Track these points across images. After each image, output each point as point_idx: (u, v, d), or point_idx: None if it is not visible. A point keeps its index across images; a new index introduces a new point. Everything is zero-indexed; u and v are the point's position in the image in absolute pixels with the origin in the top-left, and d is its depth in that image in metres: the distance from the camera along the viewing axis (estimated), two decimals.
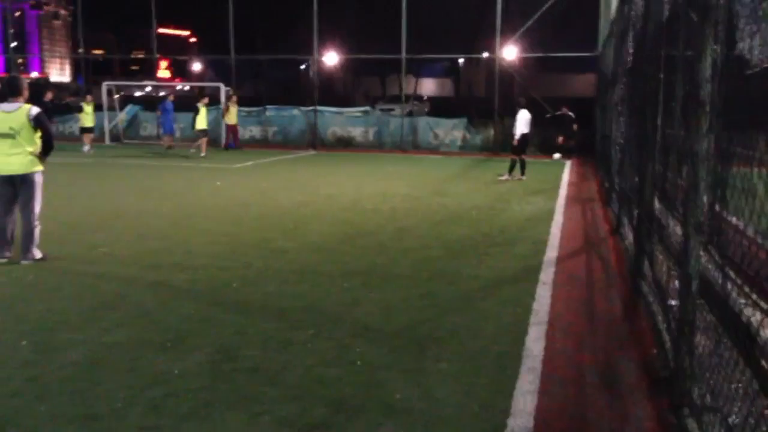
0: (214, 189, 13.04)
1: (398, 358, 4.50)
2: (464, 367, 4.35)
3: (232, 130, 22.88)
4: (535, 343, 4.82)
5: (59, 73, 65.06)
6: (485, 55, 31.08)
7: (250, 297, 5.88)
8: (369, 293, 6.03)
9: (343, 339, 4.84)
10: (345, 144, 24.72)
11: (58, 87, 44.74)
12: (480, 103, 31.50)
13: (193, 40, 61.22)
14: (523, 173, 15.27)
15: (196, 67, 52.34)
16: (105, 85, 25.67)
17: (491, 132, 23.52)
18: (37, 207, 7.00)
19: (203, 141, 20.35)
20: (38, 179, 7.01)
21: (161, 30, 42.21)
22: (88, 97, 21.79)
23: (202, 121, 20.43)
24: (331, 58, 31.07)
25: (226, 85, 24.67)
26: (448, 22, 39.03)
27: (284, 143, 24.89)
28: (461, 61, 48.74)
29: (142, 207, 10.69)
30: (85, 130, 21.24)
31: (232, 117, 22.73)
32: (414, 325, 5.18)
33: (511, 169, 15.29)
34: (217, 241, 8.20)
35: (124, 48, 58.30)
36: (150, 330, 4.98)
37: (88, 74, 41.14)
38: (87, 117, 21.26)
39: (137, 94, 46.32)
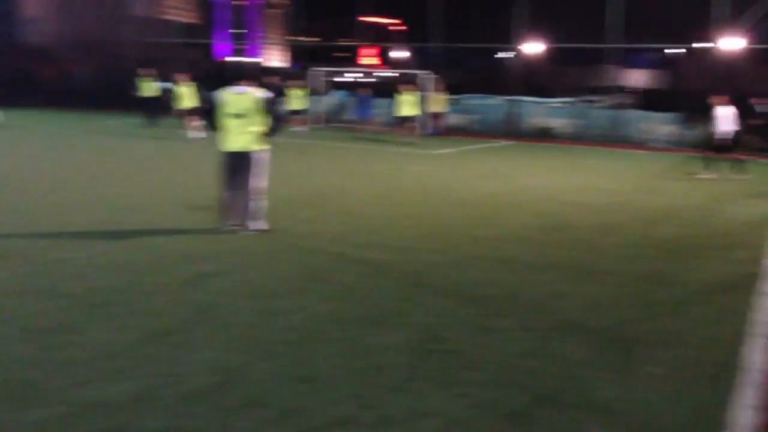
0: (415, 174, 13.35)
1: (603, 357, 4.40)
2: (675, 374, 4.16)
3: (436, 117, 23.18)
4: (753, 355, 4.50)
5: (276, 58, 69.45)
6: (705, 45, 29.03)
7: (451, 281, 6.00)
8: (573, 287, 5.93)
9: (545, 331, 4.81)
10: (545, 135, 24.25)
11: (275, 72, 47.79)
12: (696, 96, 29.47)
13: (400, 28, 62.61)
14: (737, 172, 14.20)
15: (401, 54, 53.49)
16: (311, 71, 27.06)
17: (708, 128, 21.99)
18: (261, 182, 7.57)
19: (409, 126, 20.84)
20: (261, 156, 7.58)
21: (370, 18, 43.67)
22: (294, 83, 22.89)
23: (403, 108, 20.92)
24: (533, 48, 30.52)
25: (431, 73, 25.01)
26: (662, 9, 36.88)
27: (483, 132, 24.88)
28: (676, 51, 45.85)
29: (348, 187, 11.20)
30: (293, 113, 22.15)
31: (436, 104, 23.00)
32: (620, 325, 5.03)
33: (707, 166, 14.33)
34: (420, 224, 8.41)
35: (336, 35, 60.96)
36: (357, 305, 5.24)
37: (302, 60, 43.59)
38: (295, 101, 22.24)
39: (344, 79, 48.32)
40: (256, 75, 7.49)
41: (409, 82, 22.81)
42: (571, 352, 4.44)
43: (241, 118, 7.37)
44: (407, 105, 20.96)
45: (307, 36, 59.31)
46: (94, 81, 35.34)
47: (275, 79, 22.34)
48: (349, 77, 50.43)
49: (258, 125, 7.43)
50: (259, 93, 7.44)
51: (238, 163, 7.49)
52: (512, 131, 24.39)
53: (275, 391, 3.68)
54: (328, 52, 61.78)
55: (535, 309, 5.31)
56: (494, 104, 25.77)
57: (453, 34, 30.68)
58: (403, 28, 59.38)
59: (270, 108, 7.47)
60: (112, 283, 5.43)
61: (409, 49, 52.37)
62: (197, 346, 4.22)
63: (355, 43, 55.62)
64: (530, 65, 34.34)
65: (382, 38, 52.15)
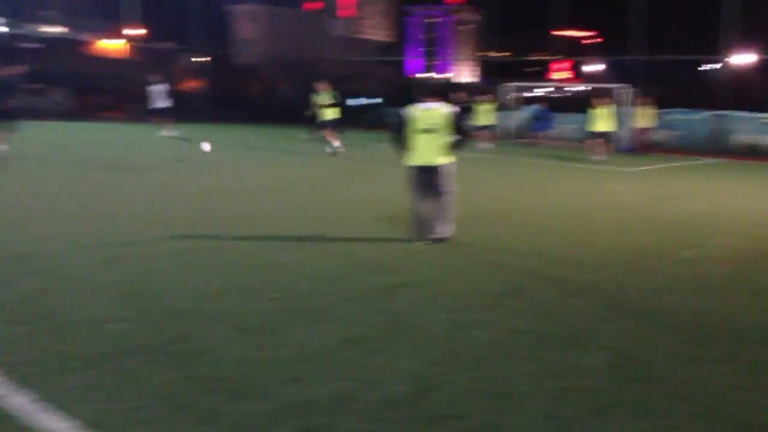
0: (608, 192, 12.86)
1: None
2: None
3: (642, 132, 22.38)
4: None
5: (467, 74, 70.10)
6: None
7: (652, 305, 5.70)
8: None
9: (760, 364, 4.43)
10: (755, 153, 22.42)
11: (465, 88, 48.16)
12: None
13: (594, 41, 60.83)
14: None
15: (595, 68, 51.89)
16: (501, 87, 26.95)
17: None
18: (450, 194, 7.69)
19: (597, 143, 20.15)
20: (450, 169, 7.70)
21: (563, 32, 42.77)
22: (482, 98, 22.62)
23: (597, 123, 20.21)
24: (744, 58, 28.40)
25: (629, 87, 24.04)
26: None
27: (686, 149, 23.49)
28: None
29: (537, 203, 11.01)
30: (480, 128, 21.96)
31: (643, 119, 22.25)
32: None
33: None
34: (615, 243, 8.09)
35: (528, 50, 60.46)
36: (550, 323, 5.12)
37: (492, 75, 43.64)
38: (483, 116, 22.06)
39: (537, 94, 47.70)
40: (444, 91, 7.76)
41: (603, 96, 22.04)
42: None
43: (430, 133, 7.54)
44: (601, 120, 20.23)
45: (497, 51, 59.20)
46: (296, 98, 37.41)
47: (462, 95, 22.37)
48: (539, 92, 49.66)
49: (446, 140, 7.57)
50: (446, 108, 7.59)
51: (428, 177, 7.65)
52: (718, 148, 22.81)
53: (470, 404, 3.68)
54: (519, 66, 61.29)
55: (746, 339, 4.90)
56: (699, 119, 24.23)
57: (654, 45, 29.33)
58: (599, 40, 57.60)
59: (457, 123, 7.60)
60: (312, 288, 5.71)
61: (605, 62, 50.68)
62: (392, 355, 4.32)
63: (547, 58, 54.73)
64: (740, 77, 31.97)
65: (575, 52, 50.87)
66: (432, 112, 7.65)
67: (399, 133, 7.74)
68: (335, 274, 6.24)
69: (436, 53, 79.70)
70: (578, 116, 23.72)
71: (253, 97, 38.78)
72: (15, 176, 11.77)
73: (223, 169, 14.23)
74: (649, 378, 4.16)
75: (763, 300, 5.91)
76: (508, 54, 57.67)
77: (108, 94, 22.25)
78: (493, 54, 56.80)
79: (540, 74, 59.50)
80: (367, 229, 8.41)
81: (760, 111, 24.34)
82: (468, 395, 3.80)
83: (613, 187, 13.46)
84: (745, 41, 27.51)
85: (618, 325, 5.16)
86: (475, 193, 12.11)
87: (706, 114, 24.14)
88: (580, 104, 25.16)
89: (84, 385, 3.64)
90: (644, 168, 17.59)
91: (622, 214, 10.30)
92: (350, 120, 27.91)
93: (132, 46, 42.24)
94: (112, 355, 4.07)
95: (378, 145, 20.12)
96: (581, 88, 49.37)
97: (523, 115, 27.26)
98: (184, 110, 16.17)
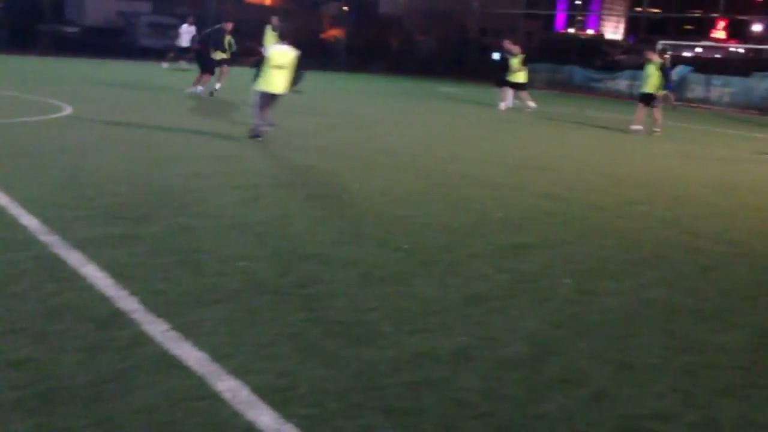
0: (759, 162, 12.02)
1: None
2: None
3: None
4: None
5: (614, 31, 66.94)
6: None
7: None
8: None
9: None
10: None
11: (611, 44, 46.09)
12: None
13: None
14: None
15: (758, 28, 48.18)
16: (659, 44, 25.51)
17: None
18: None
19: None
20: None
21: None
22: (515, 48, 18.69)
23: None
24: None
25: None
26: None
27: None
28: None
29: (683, 172, 10.47)
30: (516, 86, 18.94)
31: None
32: None
33: None
34: (763, 217, 7.58)
35: (683, 7, 56.82)
36: (686, 295, 4.89)
37: (641, 33, 41.41)
38: (517, 73, 18.71)
39: (689, 54, 44.93)
40: (294, 36, 10.68)
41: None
42: None
43: (281, 69, 9.92)
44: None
45: (650, 7, 55.97)
46: (437, 50, 37.25)
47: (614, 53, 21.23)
48: (695, 52, 46.72)
49: (289, 75, 10.03)
50: (293, 51, 9.97)
51: (272, 100, 10.07)
52: None
53: (592, 371, 3.60)
54: (674, 24, 57.79)
55: None
56: None
57: None
58: None
59: (298, 63, 10.00)
60: (439, 243, 5.72)
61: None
62: (515, 315, 4.28)
63: (702, 15, 51.15)
64: None
65: (738, 10, 47.26)
66: (283, 53, 9.81)
67: (258, 67, 9.86)
68: (465, 229, 6.22)
69: (582, 8, 76.49)
70: (733, 79, 22.19)
71: (393, 48, 38.83)
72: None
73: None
74: None
75: None
76: (659, 10, 54.52)
77: (251, 39, 22.97)
78: (651, 10, 53.77)
79: (697, 32, 55.91)
80: (497, 187, 8.31)
81: None
82: (589, 362, 3.71)
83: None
84: None
85: (761, 302, 4.86)
86: (614, 158, 11.68)
87: None
88: (739, 66, 23.52)
89: (215, 318, 3.84)
90: None
91: None
92: (490, 75, 27.29)
93: None
94: (242, 292, 4.26)
95: (517, 101, 19.61)
96: (740, 49, 46.05)
97: (671, 76, 25.81)
98: (322, 58, 16.44)
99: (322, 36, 18.19)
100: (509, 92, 18.69)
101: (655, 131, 14.93)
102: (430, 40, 38.96)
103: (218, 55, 16.16)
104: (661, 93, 15.07)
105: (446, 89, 25.70)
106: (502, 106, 18.44)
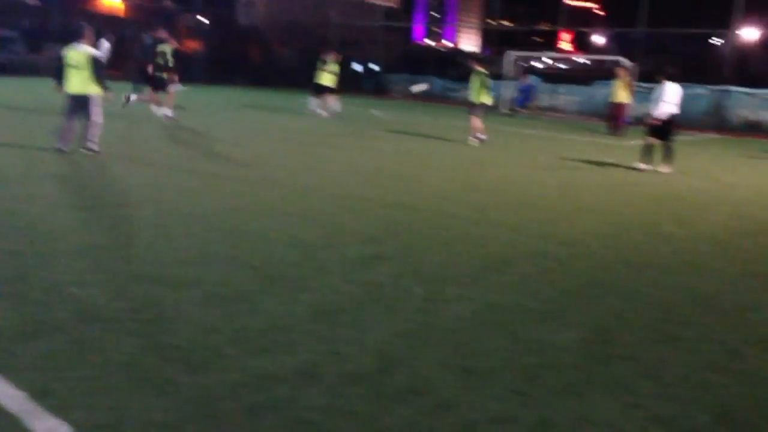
0: (599, 165, 12.76)
1: None
2: None
3: (616, 108, 20.08)
4: None
5: (469, 43, 69.39)
6: None
7: (631, 281, 5.64)
8: None
9: (734, 345, 4.39)
10: (755, 129, 22.27)
11: (466, 56, 47.66)
12: None
13: (599, 13, 60.24)
14: (667, 162, 12.14)
15: (599, 40, 51.45)
16: (507, 54, 26.65)
17: None
18: (94, 119, 9.83)
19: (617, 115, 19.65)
20: (95, 99, 9.80)
21: (569, 2, 42.24)
22: (331, 56, 19.77)
23: (618, 94, 19.64)
24: (749, 33, 28.04)
25: (629, 60, 23.81)
26: None
27: (684, 123, 23.26)
28: None
29: (526, 177, 10.92)
30: (320, 89, 19.45)
31: (618, 95, 20.08)
32: None
33: (646, 155, 12.20)
34: (601, 218, 8.03)
35: (532, 20, 59.78)
36: (530, 298, 5.06)
37: (496, 45, 43.17)
38: (326, 75, 19.37)
39: (538, 65, 47.29)
40: (93, 35, 10.07)
41: (614, 68, 21.52)
42: (762, 370, 4.01)
43: (77, 68, 9.75)
44: (621, 91, 19.57)
45: (503, 20, 58.45)
46: (297, 62, 37.07)
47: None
48: (543, 62, 49.21)
49: (89, 74, 9.75)
50: (89, 50, 9.79)
51: (78, 103, 9.83)
52: (717, 124, 22.62)
53: (436, 380, 3.63)
54: (524, 37, 60.62)
55: (725, 320, 4.85)
56: (698, 94, 24.02)
57: (659, 18, 28.94)
58: (600, 12, 56.93)
59: (95, 62, 9.73)
60: (289, 258, 5.63)
61: (608, 35, 50.15)
62: (364, 327, 4.26)
63: (550, 28, 54.09)
64: (743, 53, 31.60)
65: (581, 23, 50.26)
66: (77, 53, 9.63)
67: (58, 68, 9.75)
68: (315, 243, 6.16)
69: (441, 21, 78.83)
70: (577, 88, 23.51)
71: (254, 60, 38.41)
72: None
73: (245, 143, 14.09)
74: (622, 356, 4.12)
75: (746, 280, 5.86)
76: (511, 23, 57.06)
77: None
78: (503, 23, 56.17)
79: (545, 45, 58.96)
80: (345, 197, 8.32)
81: (762, 87, 24.12)
82: (435, 370, 3.75)
83: (605, 161, 13.34)
84: (751, 16, 27.12)
85: (596, 301, 5.10)
86: (465, 164, 12.02)
87: (706, 89, 23.91)
88: (582, 76, 24.96)
89: (37, 353, 3.55)
90: (641, 142, 17.44)
91: (610, 188, 10.22)
92: (353, 85, 27.50)
93: (129, 5, 41.73)
94: (70, 322, 3.97)
95: (374, 111, 19.93)
96: (582, 60, 48.96)
97: (518, 85, 27.06)
98: (181, 71, 16.03)
99: (178, 48, 17.55)
100: (327, 98, 19.46)
101: (479, 138, 15.00)
102: (290, 52, 38.84)
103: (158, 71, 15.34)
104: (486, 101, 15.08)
105: (305, 101, 25.65)
106: (317, 109, 19.29)
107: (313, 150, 12.66)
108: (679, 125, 12.62)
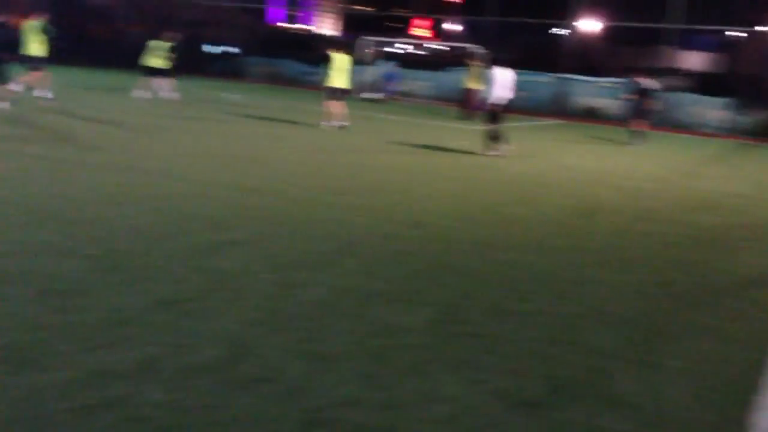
0: (457, 149, 13.13)
1: (626, 347, 4.22)
2: (699, 369, 3.97)
3: (468, 94, 21.02)
4: None
5: (327, 27, 69.20)
6: (763, 29, 28.00)
7: (477, 261, 5.84)
8: (601, 274, 5.73)
9: (569, 318, 4.64)
10: (594, 115, 23.71)
11: (324, 39, 47.55)
12: (752, 82, 28.52)
13: (454, 0, 61.74)
14: (496, 145, 12.65)
15: (454, 27, 52.80)
16: (361, 40, 26.82)
17: (762, 115, 21.27)
18: None
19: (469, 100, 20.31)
20: None
21: None
22: (168, 35, 19.38)
23: (470, 81, 20.28)
24: (588, 25, 29.75)
25: (480, 47, 24.61)
26: None
27: (530, 110, 24.44)
28: (735, 34, 44.28)
29: (385, 161, 11.05)
30: (152, 72, 19.05)
31: (470, 81, 20.88)
32: (647, 315, 4.83)
33: (492, 141, 12.64)
34: (452, 201, 8.26)
35: (389, 6, 60.48)
36: (380, 280, 5.11)
37: (353, 30, 43.27)
38: (154, 58, 19.00)
39: (395, 51, 47.90)
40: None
41: (467, 55, 22.24)
42: (593, 341, 4.27)
43: None
44: (473, 78, 20.26)
45: (360, 5, 58.75)
46: (145, 42, 35.55)
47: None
48: (399, 48, 49.88)
49: None
50: None
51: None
52: (560, 110, 23.89)
53: (284, 367, 3.59)
54: (381, 21, 61.19)
55: (561, 294, 5.13)
56: (543, 82, 25.26)
57: (509, 8, 30.09)
58: (457, 0, 58.49)
59: None
60: (132, 247, 5.39)
61: (462, 23, 51.61)
62: (209, 316, 4.15)
63: (408, 14, 54.93)
64: (584, 43, 33.50)
65: (436, 10, 51.30)
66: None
67: None
68: (161, 230, 5.93)
69: (298, 3, 77.96)
70: (432, 74, 24.03)
71: (99, 39, 36.44)
72: None
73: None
74: (466, 333, 4.25)
75: (579, 257, 6.21)
76: (370, 8, 57.44)
77: None
78: (361, 8, 56.41)
79: (402, 31, 59.79)
80: (202, 183, 8.09)
81: (601, 76, 25.71)
82: (283, 357, 3.70)
83: (461, 145, 13.73)
84: (593, 9, 28.76)
85: (444, 281, 5.23)
86: (318, 149, 12.00)
87: (550, 77, 25.18)
88: (437, 62, 25.55)
89: None
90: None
91: (464, 172, 10.54)
92: (204, 68, 26.76)
93: None
94: None
95: (229, 95, 19.49)
96: (439, 46, 50.13)
97: (377, 71, 27.33)
98: (15, 48, 14.95)
99: (12, 24, 16.01)
100: (152, 80, 19.21)
101: (339, 124, 15.03)
102: (140, 33, 37.14)
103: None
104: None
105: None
106: (141, 93, 18.92)
107: (160, 134, 12.19)
108: (511, 109, 12.98)
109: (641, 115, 16.27)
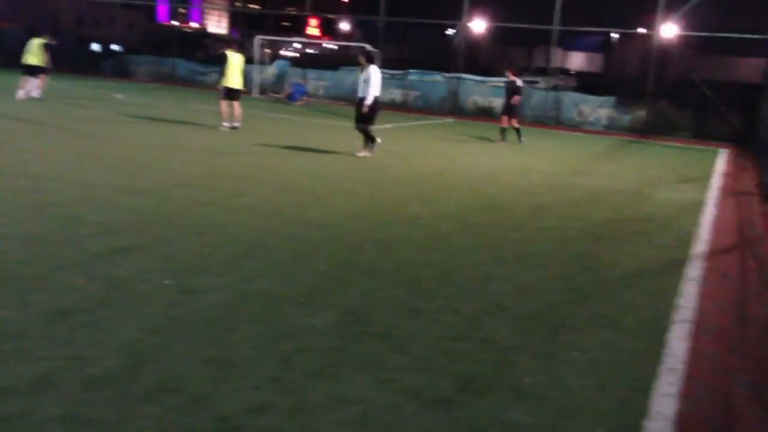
0: (350, 149, 13.14)
1: (529, 341, 4.34)
2: (599, 359, 4.14)
3: None
4: (677, 342, 4.51)
5: (217, 25, 67.83)
6: (641, 30, 29.55)
7: (382, 260, 5.86)
8: (502, 269, 5.87)
9: (473, 314, 4.73)
10: (485, 114, 24.32)
11: (215, 38, 46.67)
12: (631, 81, 30.07)
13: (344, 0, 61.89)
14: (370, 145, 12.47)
15: (346, 27, 52.94)
16: (257, 39, 26.46)
17: (642, 113, 22.43)
18: None
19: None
20: None
21: None
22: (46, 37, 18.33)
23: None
24: (478, 26, 30.48)
25: (373, 47, 24.77)
26: None
27: (424, 108, 24.82)
28: (614, 36, 46.58)
29: (279, 164, 10.94)
30: (30, 70, 18.17)
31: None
32: (548, 308, 4.99)
33: (368, 141, 12.42)
34: (353, 201, 8.26)
35: (280, 5, 59.92)
36: (285, 283, 5.05)
37: (243, 28, 42.62)
38: (32, 56, 18.05)
39: (287, 50, 47.56)
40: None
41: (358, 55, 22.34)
42: (498, 337, 4.37)
43: None
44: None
45: (249, 3, 57.95)
46: (25, 39, 33.88)
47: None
48: (291, 48, 49.56)
49: None
50: None
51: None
52: (453, 109, 24.38)
53: (189, 375, 3.49)
54: (273, 21, 60.56)
55: (464, 291, 5.22)
56: (437, 81, 25.70)
57: (400, 8, 30.41)
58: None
59: None
60: (20, 255, 5.10)
61: (353, 22, 51.81)
62: (107, 327, 3.97)
63: (298, 13, 54.58)
64: (474, 44, 34.31)
65: (327, 9, 51.22)
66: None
67: None
68: (53, 238, 5.64)
69: (183, 0, 76.01)
70: (326, 73, 23.98)
71: None
72: None
73: None
74: (374, 333, 4.25)
75: (480, 254, 6.34)
76: (259, 7, 56.75)
77: None
78: (250, 6, 55.59)
79: (294, 30, 59.38)
80: (91, 187, 7.75)
81: (490, 76, 26.39)
82: (188, 365, 3.60)
83: (357, 144, 13.75)
84: (481, 9, 29.45)
85: (349, 281, 5.22)
86: (214, 151, 11.76)
87: (443, 76, 25.66)
88: (330, 61, 25.52)
89: None
90: (387, 126, 18.26)
91: (360, 171, 10.57)
92: (90, 67, 25.70)
93: None
94: None
95: (116, 94, 18.80)
96: (332, 46, 50.17)
97: (272, 70, 27.05)
98: None
99: None
100: (30, 79, 18.23)
101: (231, 125, 14.70)
102: (17, 30, 35.23)
103: None
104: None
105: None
106: (21, 94, 17.91)
107: (48, 136, 11.60)
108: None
109: (512, 111, 16.46)
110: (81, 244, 5.55)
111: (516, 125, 16.42)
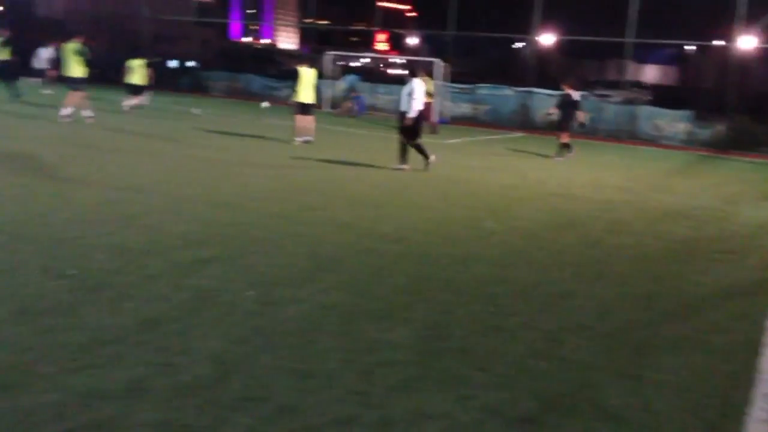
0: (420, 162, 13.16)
1: (613, 361, 4.26)
2: (687, 382, 4.03)
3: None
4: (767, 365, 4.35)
5: (287, 40, 69.16)
6: (718, 43, 28.76)
7: (458, 276, 5.85)
8: (582, 287, 5.78)
9: (554, 332, 4.67)
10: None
11: (286, 54, 47.57)
12: (709, 94, 29.25)
13: (412, 14, 62.25)
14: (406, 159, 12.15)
15: (413, 41, 53.15)
16: (327, 54, 26.84)
17: (721, 127, 21.77)
18: None
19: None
20: None
21: (382, 4, 43.25)
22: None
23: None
24: (548, 39, 30.21)
25: (443, 61, 24.78)
26: (680, 4, 36.44)
27: (494, 123, 24.69)
28: (690, 48, 45.44)
29: (357, 175, 11.04)
30: (132, 89, 19.38)
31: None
32: (631, 328, 4.89)
33: (403, 155, 12.11)
34: (425, 215, 8.28)
35: (348, 20, 60.68)
36: (363, 297, 5.10)
37: (312, 43, 43.35)
38: (134, 74, 19.29)
39: (356, 64, 48.06)
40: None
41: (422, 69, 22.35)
42: (579, 355, 4.30)
43: None
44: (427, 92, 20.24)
45: (319, 19, 58.80)
46: (107, 57, 35.14)
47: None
48: (361, 62, 50.05)
49: None
50: None
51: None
52: (524, 123, 24.17)
53: (274, 385, 3.55)
54: (341, 36, 61.36)
55: (544, 309, 5.16)
56: (507, 95, 25.54)
57: (468, 22, 30.43)
58: (413, 14, 58.90)
59: None
60: (111, 265, 5.29)
61: (421, 36, 51.96)
62: (195, 335, 4.09)
63: (366, 28, 55.12)
64: (544, 57, 34.00)
65: (393, 24, 51.60)
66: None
67: None
68: (139, 249, 5.83)
69: (255, 17, 77.86)
70: (395, 87, 24.12)
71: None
72: None
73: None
74: (453, 349, 4.25)
75: (559, 271, 6.26)
76: (328, 23, 57.58)
77: None
78: (320, 22, 56.56)
79: (362, 44, 60.02)
80: (174, 201, 7.98)
81: (560, 89, 26.06)
82: (272, 376, 3.66)
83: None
84: (551, 22, 29.19)
85: (426, 296, 5.23)
86: (288, 164, 11.95)
87: (513, 90, 25.48)
88: (398, 76, 25.68)
89: None
90: (455, 141, 18.26)
91: (432, 187, 10.57)
92: (166, 82, 26.59)
93: None
94: None
95: (193, 109, 19.35)
96: (398, 60, 50.47)
97: (341, 85, 27.34)
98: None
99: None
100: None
101: (305, 139, 14.85)
102: (97, 47, 36.69)
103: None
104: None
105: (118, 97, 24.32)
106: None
107: (132, 149, 12.03)
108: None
109: (567, 127, 15.82)
110: (167, 254, 5.73)
111: (565, 140, 15.71)
